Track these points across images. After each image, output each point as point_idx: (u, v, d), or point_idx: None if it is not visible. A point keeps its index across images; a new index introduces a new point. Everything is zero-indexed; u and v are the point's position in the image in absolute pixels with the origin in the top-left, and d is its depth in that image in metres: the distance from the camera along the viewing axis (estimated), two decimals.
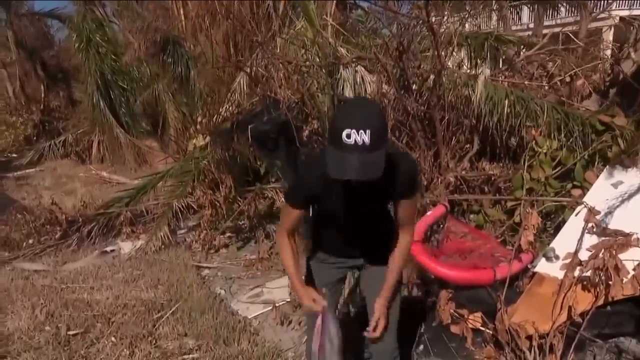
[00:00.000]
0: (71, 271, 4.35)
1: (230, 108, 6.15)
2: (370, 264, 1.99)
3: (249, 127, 4.75)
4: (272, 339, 3.10)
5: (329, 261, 1.99)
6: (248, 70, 5.30)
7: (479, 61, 4.46)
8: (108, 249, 4.93)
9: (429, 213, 3.18)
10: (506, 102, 3.65)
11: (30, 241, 5.02)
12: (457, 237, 3.21)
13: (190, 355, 2.88)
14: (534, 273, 2.52)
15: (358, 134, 1.33)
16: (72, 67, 13.40)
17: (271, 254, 4.40)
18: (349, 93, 4.23)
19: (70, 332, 3.27)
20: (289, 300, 3.47)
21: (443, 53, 3.84)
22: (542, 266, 2.50)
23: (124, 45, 9.67)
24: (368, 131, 1.34)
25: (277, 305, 3.36)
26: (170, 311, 3.41)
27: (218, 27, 7.38)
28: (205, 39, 8.00)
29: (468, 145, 4.11)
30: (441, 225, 3.33)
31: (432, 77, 3.96)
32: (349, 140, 1.34)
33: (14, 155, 12.03)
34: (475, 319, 2.47)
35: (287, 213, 1.83)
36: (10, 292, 4.03)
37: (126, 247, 4.88)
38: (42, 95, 15.11)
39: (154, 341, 3.07)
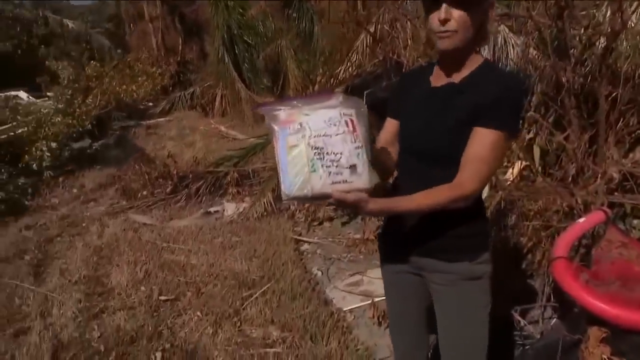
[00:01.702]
0: (175, 229, 4.35)
1: (350, 69, 5.69)
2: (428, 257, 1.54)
3: (365, 92, 4.24)
4: (366, 341, 2.69)
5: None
6: (371, 28, 4.73)
7: None
8: (212, 209, 4.86)
9: (581, 220, 2.44)
10: None
11: (145, 193, 5.15)
12: (614, 247, 2.45)
13: (273, 349, 2.59)
14: None
15: None
16: (205, 21, 13.87)
17: (377, 235, 3.96)
18: (486, 56, 3.51)
19: (162, 297, 3.20)
20: None
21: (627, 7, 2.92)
22: None
23: None
24: None
25: (375, 301, 2.94)
26: (261, 290, 3.17)
27: None
28: None
29: None
30: (593, 233, 2.60)
31: (602, 40, 3.08)
32: None
33: (150, 104, 12.87)
34: None
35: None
36: (120, 243, 4.15)
37: (230, 208, 4.77)
38: (180, 48, 16.02)
39: (239, 323, 2.84)
